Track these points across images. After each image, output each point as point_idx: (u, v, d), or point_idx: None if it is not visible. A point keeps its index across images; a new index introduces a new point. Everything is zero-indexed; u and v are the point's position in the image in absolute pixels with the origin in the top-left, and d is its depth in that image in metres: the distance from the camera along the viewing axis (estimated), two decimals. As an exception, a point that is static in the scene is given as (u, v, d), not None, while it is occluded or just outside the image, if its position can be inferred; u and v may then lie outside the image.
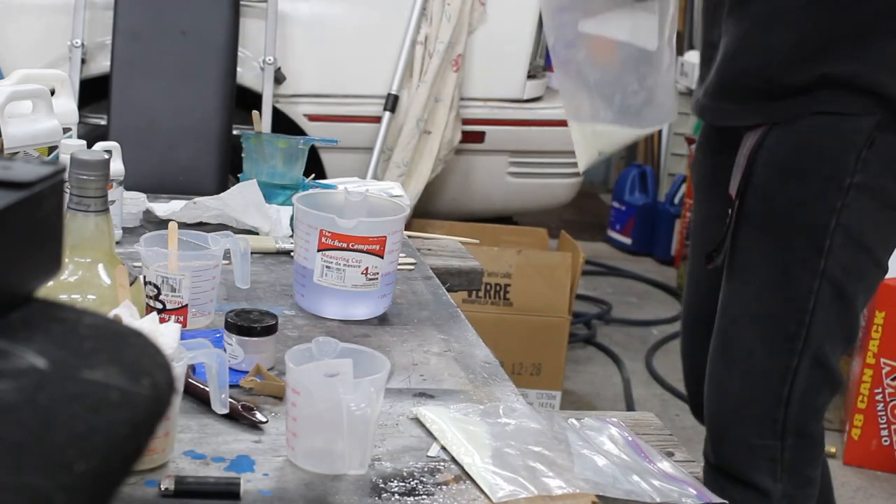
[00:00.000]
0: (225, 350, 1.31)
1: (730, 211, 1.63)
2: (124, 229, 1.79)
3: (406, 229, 1.83)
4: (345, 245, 1.47)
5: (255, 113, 2.07)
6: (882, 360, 2.97)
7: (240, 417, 1.18)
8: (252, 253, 1.56)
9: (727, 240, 1.64)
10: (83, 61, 2.96)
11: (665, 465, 1.23)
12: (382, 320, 1.54)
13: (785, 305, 1.60)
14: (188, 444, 1.13)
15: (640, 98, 1.81)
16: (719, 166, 1.71)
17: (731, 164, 1.66)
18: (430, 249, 2.02)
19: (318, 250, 1.48)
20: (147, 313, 1.19)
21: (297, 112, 3.18)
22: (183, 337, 1.10)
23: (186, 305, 1.41)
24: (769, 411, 1.64)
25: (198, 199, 1.87)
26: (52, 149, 1.70)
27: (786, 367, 1.62)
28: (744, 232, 1.63)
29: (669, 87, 1.87)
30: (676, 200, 4.81)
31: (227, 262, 1.48)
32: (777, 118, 1.58)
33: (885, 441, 3.02)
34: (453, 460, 1.15)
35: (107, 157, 1.21)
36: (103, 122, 2.92)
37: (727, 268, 1.68)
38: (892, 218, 1.58)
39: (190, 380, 1.22)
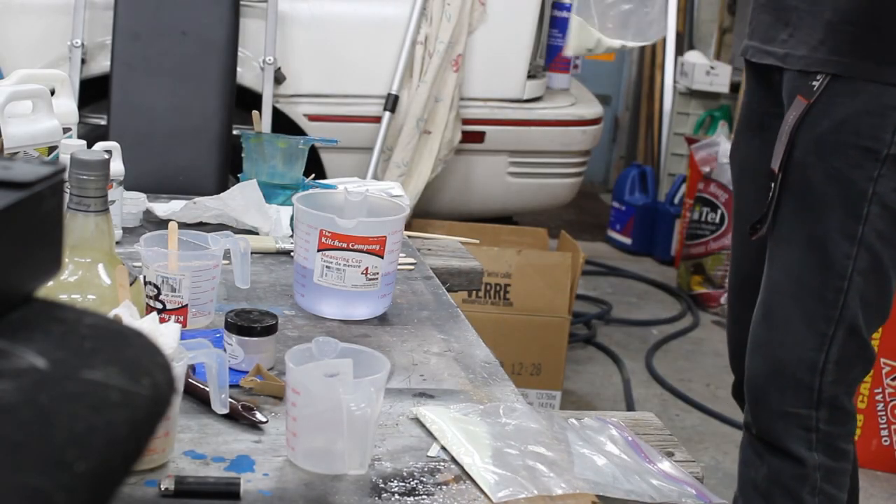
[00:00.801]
0: (225, 350, 1.31)
1: (773, 185, 1.68)
2: (124, 229, 1.79)
3: (406, 229, 1.83)
4: (345, 245, 1.47)
5: (255, 113, 2.07)
6: (882, 360, 2.97)
7: (240, 417, 1.18)
8: (252, 253, 1.56)
9: (770, 211, 1.69)
10: (83, 61, 2.95)
11: (665, 465, 1.23)
12: (382, 320, 1.54)
13: (823, 272, 1.66)
14: (188, 444, 1.13)
15: (633, 13, 1.86)
16: (762, 145, 1.78)
17: (772, 141, 1.71)
18: (430, 249, 2.02)
19: (318, 250, 1.48)
20: (147, 313, 1.19)
21: (297, 112, 3.18)
22: (183, 337, 1.10)
23: (186, 305, 1.41)
24: (804, 379, 1.69)
25: (198, 199, 1.87)
26: (52, 149, 1.70)
27: (822, 336, 1.67)
28: (784, 202, 1.68)
29: (661, 8, 1.88)
30: (676, 200, 4.81)
31: (227, 262, 1.48)
32: (835, 69, 1.62)
33: (885, 441, 3.02)
34: (453, 460, 1.15)
35: (107, 157, 1.21)
36: (103, 122, 2.92)
37: (770, 240, 1.73)
38: None
39: (190, 380, 1.22)
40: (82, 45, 2.94)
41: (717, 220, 4.26)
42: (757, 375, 1.75)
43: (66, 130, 1.76)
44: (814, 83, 1.64)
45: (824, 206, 1.64)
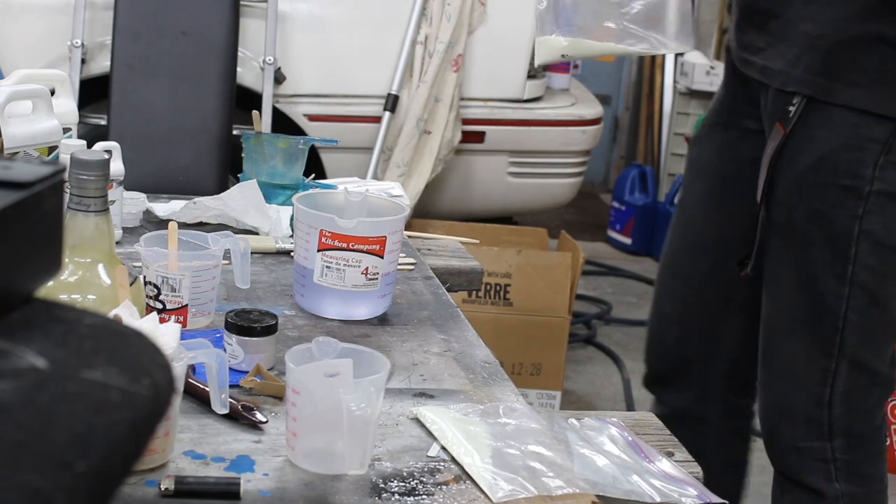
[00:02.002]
0: (225, 350, 1.31)
1: (759, 218, 1.67)
2: (124, 229, 1.79)
3: (406, 229, 1.83)
4: (345, 245, 1.47)
5: (255, 113, 2.07)
6: (882, 360, 2.97)
7: (240, 417, 1.18)
8: (252, 253, 1.56)
9: (755, 248, 1.69)
10: (83, 61, 2.95)
11: (665, 465, 1.23)
12: (382, 320, 1.54)
13: (815, 312, 1.64)
14: (188, 444, 1.13)
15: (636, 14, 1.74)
16: (722, 144, 1.77)
17: (733, 143, 1.72)
18: (430, 249, 2.02)
19: (318, 250, 1.48)
20: (147, 313, 1.19)
21: (297, 112, 3.18)
22: (183, 337, 1.10)
23: (186, 305, 1.41)
24: (812, 414, 1.67)
25: (198, 199, 1.87)
26: (52, 149, 1.70)
27: (824, 370, 1.65)
28: (771, 242, 1.67)
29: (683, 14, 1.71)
30: (676, 200, 4.80)
31: (227, 262, 1.48)
32: (811, 90, 1.58)
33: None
34: (453, 460, 1.15)
35: (107, 157, 1.21)
36: (103, 122, 2.92)
37: (764, 277, 1.72)
38: None
39: (190, 380, 1.22)
40: (82, 45, 2.94)
41: (717, 220, 4.26)
42: (768, 412, 1.74)
43: (66, 130, 1.76)
44: (790, 107, 1.60)
45: (810, 247, 1.61)
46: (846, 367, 1.65)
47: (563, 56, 1.76)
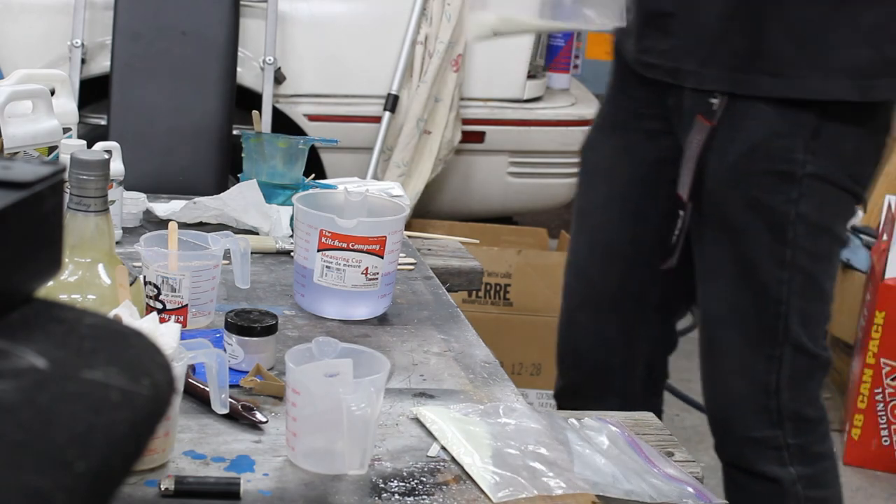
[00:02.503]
0: (225, 350, 1.31)
1: (681, 213, 1.66)
2: (124, 229, 1.79)
3: (406, 229, 1.83)
4: (345, 245, 1.47)
5: (255, 113, 2.07)
6: (882, 360, 2.97)
7: (240, 417, 1.18)
8: (252, 253, 1.56)
9: (679, 242, 1.68)
10: (83, 61, 2.95)
11: (665, 465, 1.23)
12: (382, 320, 1.54)
13: (758, 300, 1.65)
14: (188, 444, 1.13)
15: None
16: (623, 147, 1.77)
17: (636, 145, 1.73)
18: (430, 249, 2.02)
19: (318, 250, 1.48)
20: (147, 313, 1.19)
21: (297, 112, 3.18)
22: (183, 337, 1.10)
23: (186, 305, 1.41)
24: (762, 402, 1.68)
25: (198, 199, 1.87)
26: (52, 149, 1.70)
27: (769, 358, 1.66)
28: (706, 234, 1.66)
29: None
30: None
31: (227, 262, 1.48)
32: (731, 87, 1.59)
33: (885, 441, 3.02)
34: (453, 460, 1.15)
35: (107, 157, 1.21)
36: (103, 122, 2.92)
37: (697, 271, 1.71)
38: (843, 196, 1.63)
39: (190, 380, 1.22)
40: (82, 45, 2.94)
41: (717, 220, 4.26)
42: (717, 407, 1.75)
43: (66, 130, 1.76)
44: (712, 101, 1.60)
45: (748, 235, 1.62)
46: (790, 352, 1.66)
47: (494, 33, 1.74)
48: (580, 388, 1.93)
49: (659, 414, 1.96)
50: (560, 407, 1.98)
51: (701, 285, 1.71)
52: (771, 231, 1.61)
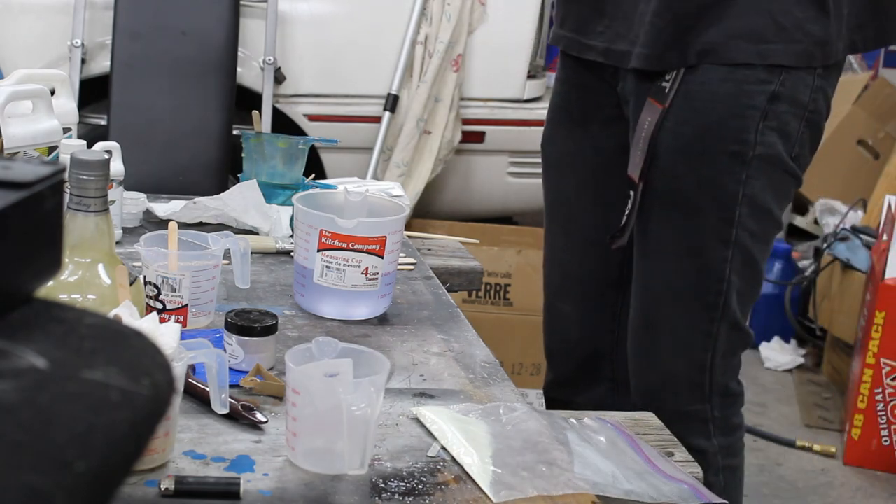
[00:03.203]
0: (225, 350, 1.31)
1: (631, 193, 1.69)
2: (124, 229, 1.79)
3: (406, 229, 1.83)
4: (345, 245, 1.47)
5: (255, 113, 2.07)
6: (882, 360, 2.97)
7: (240, 417, 1.18)
8: (252, 253, 1.56)
9: (631, 221, 1.70)
10: (83, 61, 2.96)
11: (665, 465, 1.23)
12: (382, 320, 1.54)
13: (702, 277, 1.68)
14: (188, 444, 1.13)
15: None
16: (584, 138, 1.81)
17: (597, 135, 1.77)
18: (430, 249, 2.02)
19: (318, 250, 1.48)
20: (147, 313, 1.19)
21: (297, 112, 3.18)
22: (183, 337, 1.10)
23: (186, 305, 1.41)
24: (696, 379, 1.73)
25: (198, 199, 1.87)
26: (52, 149, 1.70)
27: (706, 335, 1.70)
28: (653, 212, 1.68)
29: None
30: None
31: (227, 262, 1.48)
32: (690, 61, 1.61)
33: (885, 441, 3.02)
34: (453, 460, 1.15)
35: (107, 157, 1.21)
36: (103, 122, 2.92)
37: (639, 248, 1.74)
38: (785, 178, 1.67)
39: (190, 380, 1.22)
40: (82, 45, 2.94)
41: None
42: (648, 383, 1.77)
43: (66, 130, 1.76)
44: (664, 84, 1.62)
45: (697, 213, 1.64)
46: (726, 329, 1.70)
47: None
48: (571, 379, 1.96)
49: None
50: (551, 399, 2.01)
51: (641, 264, 1.74)
52: (719, 210, 1.64)
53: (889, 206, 3.24)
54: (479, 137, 3.34)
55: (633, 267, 1.76)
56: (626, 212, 1.69)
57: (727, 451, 1.79)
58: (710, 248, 1.66)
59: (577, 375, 1.95)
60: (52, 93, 1.78)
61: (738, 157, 1.61)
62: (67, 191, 1.20)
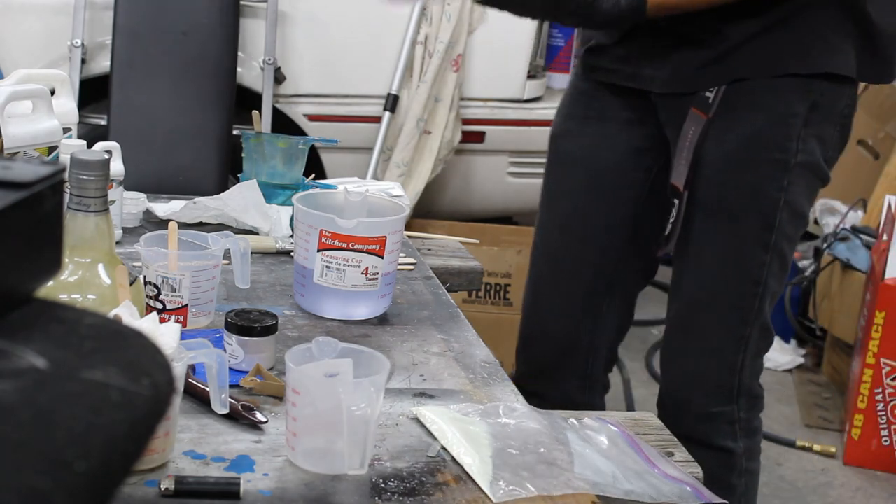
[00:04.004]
0: (225, 350, 1.31)
1: (676, 201, 1.71)
2: (124, 229, 1.79)
3: (406, 229, 1.83)
4: (345, 245, 1.47)
5: (255, 113, 2.07)
6: (882, 360, 2.97)
7: (240, 417, 1.18)
8: (252, 253, 1.56)
9: (678, 228, 1.72)
10: (83, 61, 2.95)
11: (665, 465, 1.23)
12: (382, 320, 1.54)
13: (741, 281, 1.71)
14: (188, 444, 1.13)
15: None
16: (599, 135, 1.82)
17: (613, 134, 1.79)
18: (430, 249, 2.02)
19: (318, 250, 1.48)
20: (147, 313, 1.19)
21: (297, 112, 3.18)
22: (183, 337, 1.10)
23: (186, 305, 1.41)
24: (726, 380, 1.76)
25: (198, 199, 1.87)
26: (52, 149, 1.70)
27: (740, 338, 1.74)
28: (696, 219, 1.71)
29: None
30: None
31: (227, 262, 1.48)
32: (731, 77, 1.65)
33: (885, 441, 3.02)
34: (453, 460, 1.15)
35: (107, 157, 1.21)
36: (103, 122, 2.92)
37: (678, 253, 1.77)
38: (818, 182, 1.73)
39: (190, 380, 1.22)
40: (82, 45, 2.94)
41: (717, 220, 4.25)
42: (679, 384, 1.80)
43: (66, 130, 1.76)
44: (707, 94, 1.66)
45: (740, 219, 1.68)
46: (757, 332, 1.74)
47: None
48: (544, 370, 1.99)
49: (607, 388, 2.06)
50: (521, 391, 2.01)
51: (681, 268, 1.76)
52: (761, 216, 1.67)
53: (889, 206, 3.24)
54: (479, 137, 3.34)
55: (672, 271, 1.78)
56: (671, 220, 1.72)
57: (749, 453, 1.81)
58: (751, 254, 1.69)
59: (550, 368, 1.98)
60: (52, 93, 1.78)
61: (780, 164, 1.65)
62: (67, 191, 1.20)
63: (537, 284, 1.97)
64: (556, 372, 1.97)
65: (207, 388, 1.17)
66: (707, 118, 1.65)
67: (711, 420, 1.76)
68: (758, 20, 1.62)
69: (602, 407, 2.04)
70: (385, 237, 1.49)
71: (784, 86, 1.63)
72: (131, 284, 1.20)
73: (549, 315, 1.96)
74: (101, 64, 2.99)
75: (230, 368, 1.22)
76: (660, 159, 1.80)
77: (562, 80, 3.56)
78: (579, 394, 1.98)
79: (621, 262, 1.87)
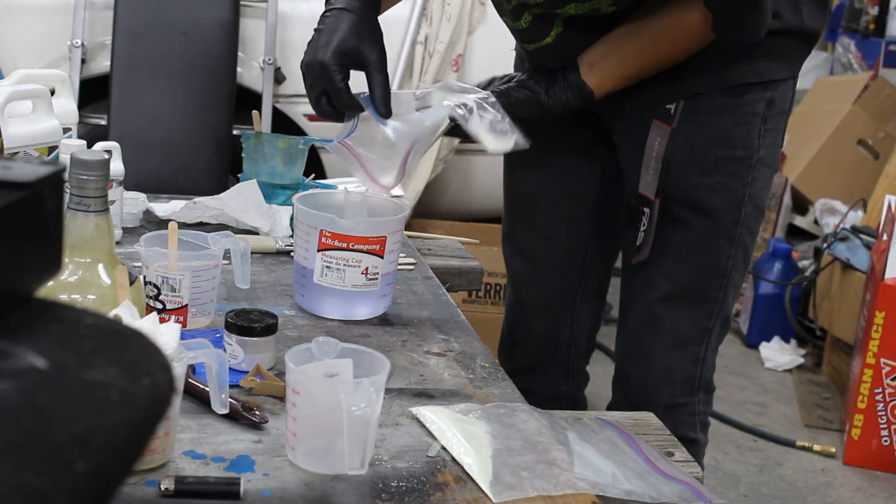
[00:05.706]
0: (225, 350, 1.31)
1: (646, 210, 1.74)
2: (124, 229, 1.79)
3: (406, 229, 1.83)
4: (345, 245, 1.47)
5: (255, 113, 2.07)
6: (882, 360, 2.97)
7: (240, 417, 1.18)
8: (252, 253, 1.56)
9: (650, 237, 1.75)
10: (83, 61, 2.96)
11: (665, 465, 1.23)
12: (382, 320, 1.54)
13: (708, 276, 1.75)
14: (188, 444, 1.13)
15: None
16: (571, 148, 1.84)
17: (583, 146, 1.82)
18: (430, 249, 2.02)
19: (318, 250, 1.48)
20: (147, 313, 1.19)
21: (297, 112, 3.18)
22: (183, 337, 1.10)
23: (186, 305, 1.41)
24: (689, 371, 1.79)
25: (198, 199, 1.87)
26: (52, 149, 1.70)
27: (704, 330, 1.77)
28: (668, 221, 1.73)
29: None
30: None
31: (227, 262, 1.48)
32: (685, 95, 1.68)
33: (885, 441, 3.02)
34: (453, 460, 1.15)
35: (107, 157, 1.21)
36: (103, 122, 2.92)
37: (650, 254, 1.78)
38: (772, 174, 1.77)
39: (190, 380, 1.22)
40: (82, 45, 2.94)
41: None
42: (648, 379, 1.82)
43: (66, 130, 1.76)
44: (669, 106, 1.68)
45: (710, 218, 1.71)
46: (720, 324, 1.78)
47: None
48: (530, 367, 2.01)
49: (587, 380, 2.09)
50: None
51: (651, 266, 1.78)
52: (729, 212, 1.71)
53: (889, 206, 3.24)
54: (479, 137, 3.34)
55: (640, 269, 1.80)
56: (643, 228, 1.75)
57: (704, 450, 1.85)
58: (718, 248, 1.73)
59: (535, 365, 2.00)
60: (52, 93, 1.78)
61: (745, 161, 1.70)
62: (67, 191, 1.20)
63: (515, 286, 2.00)
64: (542, 368, 2.01)
65: (207, 388, 1.17)
66: (672, 128, 1.69)
67: (676, 411, 1.79)
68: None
69: (584, 398, 2.09)
70: (385, 237, 1.49)
71: (743, 91, 1.68)
72: (131, 284, 1.20)
73: (530, 315, 1.99)
74: (101, 64, 2.99)
75: (230, 368, 1.22)
76: (609, 153, 1.83)
77: (562, 80, 3.56)
78: (564, 385, 2.02)
79: (590, 258, 1.92)
